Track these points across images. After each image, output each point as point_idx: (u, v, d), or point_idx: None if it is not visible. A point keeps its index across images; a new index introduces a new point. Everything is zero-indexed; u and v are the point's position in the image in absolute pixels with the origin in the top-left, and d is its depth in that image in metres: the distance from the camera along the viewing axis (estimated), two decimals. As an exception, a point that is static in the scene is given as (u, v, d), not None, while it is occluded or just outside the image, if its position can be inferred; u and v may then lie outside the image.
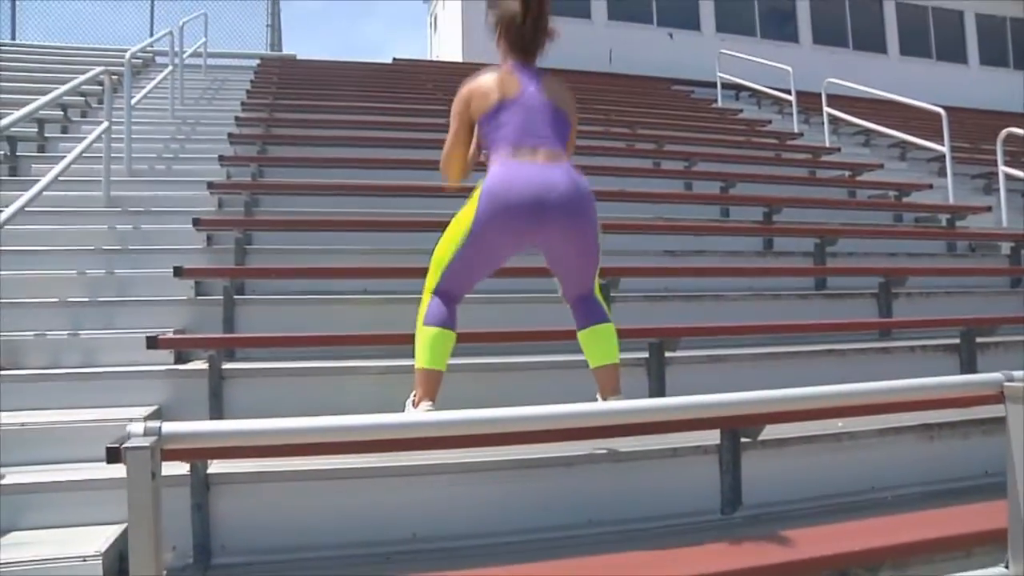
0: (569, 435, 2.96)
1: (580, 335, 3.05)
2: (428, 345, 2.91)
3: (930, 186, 8.04)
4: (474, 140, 3.09)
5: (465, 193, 3.04)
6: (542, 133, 2.87)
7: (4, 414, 3.13)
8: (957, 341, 4.58)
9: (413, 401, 2.96)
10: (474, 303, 4.38)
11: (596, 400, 3.04)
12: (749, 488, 3.18)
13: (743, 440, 3.16)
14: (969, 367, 4.51)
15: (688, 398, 2.66)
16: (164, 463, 2.50)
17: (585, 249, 2.93)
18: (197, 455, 2.10)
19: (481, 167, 3.08)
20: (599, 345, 3.00)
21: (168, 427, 1.42)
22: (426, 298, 3.00)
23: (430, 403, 2.87)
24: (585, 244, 2.92)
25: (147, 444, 1.32)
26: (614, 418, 2.76)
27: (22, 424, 3.02)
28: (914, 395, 2.03)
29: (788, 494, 3.26)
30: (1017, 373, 1.95)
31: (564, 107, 3.02)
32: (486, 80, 2.97)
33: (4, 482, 2.74)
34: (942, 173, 8.57)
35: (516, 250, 3.04)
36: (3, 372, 3.48)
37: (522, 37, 2.95)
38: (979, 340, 4.54)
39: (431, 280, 3.00)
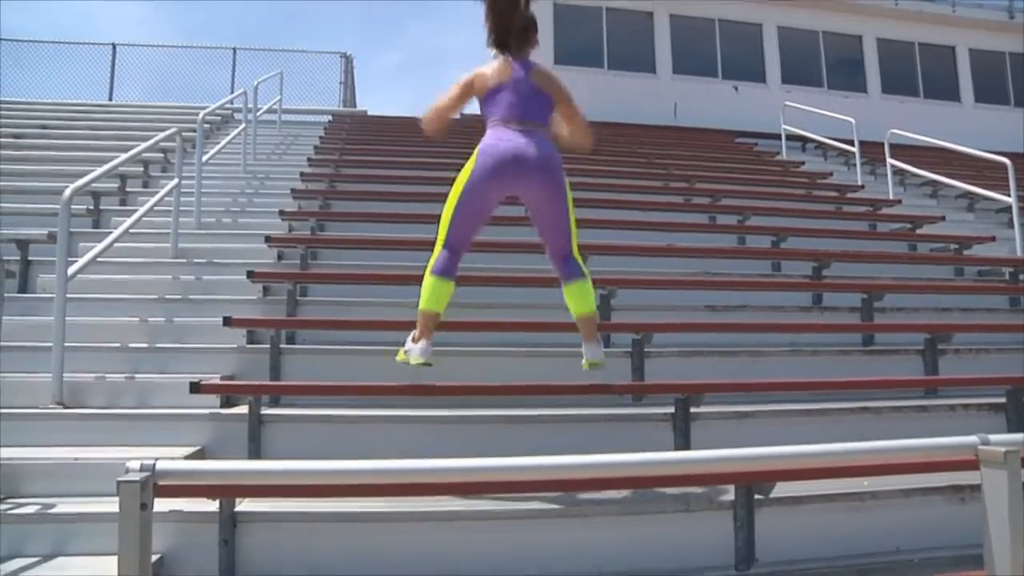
0: (580, 486, 3.07)
1: (563, 289, 3.71)
2: (431, 290, 3.60)
3: (992, 238, 7.81)
4: (457, 103, 3.79)
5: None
6: (525, 111, 3.62)
7: (62, 449, 3.42)
8: (1003, 400, 4.47)
9: (413, 337, 3.61)
10: (503, 356, 4.57)
11: (583, 351, 3.70)
12: (765, 545, 3.20)
13: (757, 497, 3.18)
14: (1017, 427, 4.39)
15: (688, 453, 2.73)
16: (194, 499, 2.75)
17: (555, 197, 3.62)
18: (191, 492, 2.27)
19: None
20: (575, 296, 3.68)
21: (161, 464, 1.59)
22: (436, 251, 3.66)
23: (427, 341, 3.55)
24: (555, 193, 3.61)
25: (137, 479, 1.49)
26: (623, 471, 2.87)
27: (75, 459, 3.29)
28: (887, 457, 2.05)
29: (806, 552, 3.26)
30: (993, 436, 1.95)
31: (548, 90, 3.71)
32: (488, 67, 3.72)
33: (55, 511, 3.00)
34: (1012, 224, 8.32)
35: (501, 195, 3.74)
36: (65, 411, 3.78)
37: (519, 36, 3.71)
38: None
39: (440, 235, 3.68)
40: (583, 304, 3.67)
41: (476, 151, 3.62)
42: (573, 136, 3.89)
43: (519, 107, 3.61)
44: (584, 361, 3.73)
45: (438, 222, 3.70)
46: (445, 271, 3.61)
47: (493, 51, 3.76)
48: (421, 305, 3.60)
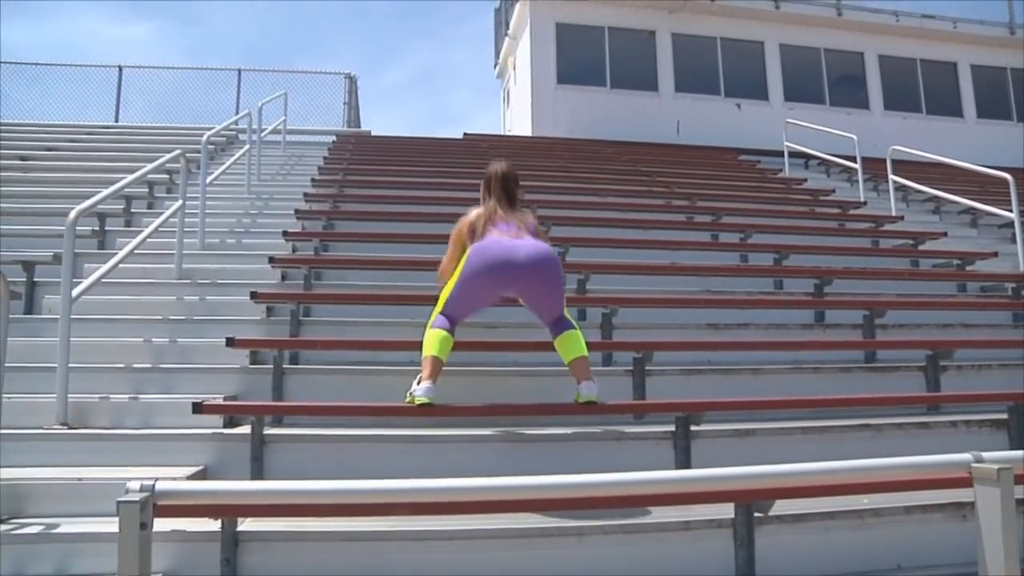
0: (581, 504, 3.08)
1: (555, 342, 3.99)
2: (435, 340, 3.86)
3: (995, 254, 7.81)
4: (460, 254, 4.10)
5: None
6: (515, 228, 3.96)
7: (66, 469, 3.44)
8: (1005, 416, 4.46)
9: (418, 380, 3.80)
10: (505, 375, 4.60)
11: (576, 392, 3.89)
12: (765, 563, 3.20)
13: (757, 515, 3.18)
14: (1019, 443, 4.38)
15: (687, 471, 2.74)
16: (196, 518, 2.77)
17: (550, 293, 3.96)
18: (192, 511, 2.29)
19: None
20: (568, 345, 3.94)
21: (161, 485, 1.61)
22: (435, 313, 3.99)
23: (430, 383, 3.73)
24: (549, 290, 3.95)
25: (137, 499, 1.51)
26: (623, 489, 2.88)
27: (79, 479, 3.31)
28: (881, 475, 2.06)
29: (806, 570, 3.26)
30: (987, 454, 1.95)
31: (532, 221, 4.11)
32: (475, 214, 4.11)
33: (59, 531, 3.01)
34: (1015, 240, 8.31)
35: (496, 294, 4.10)
36: (70, 431, 3.81)
37: (501, 188, 4.13)
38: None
39: (439, 305, 4.01)
40: (575, 351, 3.92)
41: (467, 251, 3.96)
42: None
43: (509, 224, 3.98)
44: (578, 396, 3.89)
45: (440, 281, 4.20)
46: (445, 327, 3.90)
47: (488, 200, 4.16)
48: (424, 353, 3.85)
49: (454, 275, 3.99)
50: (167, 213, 6.03)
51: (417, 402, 3.69)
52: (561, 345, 3.95)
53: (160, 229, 5.92)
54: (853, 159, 11.18)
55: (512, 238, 3.88)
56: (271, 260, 5.92)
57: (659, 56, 15.75)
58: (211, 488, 2.03)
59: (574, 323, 4.01)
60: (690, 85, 15.73)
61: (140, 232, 5.88)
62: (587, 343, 3.99)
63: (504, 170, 4.21)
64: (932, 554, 3.37)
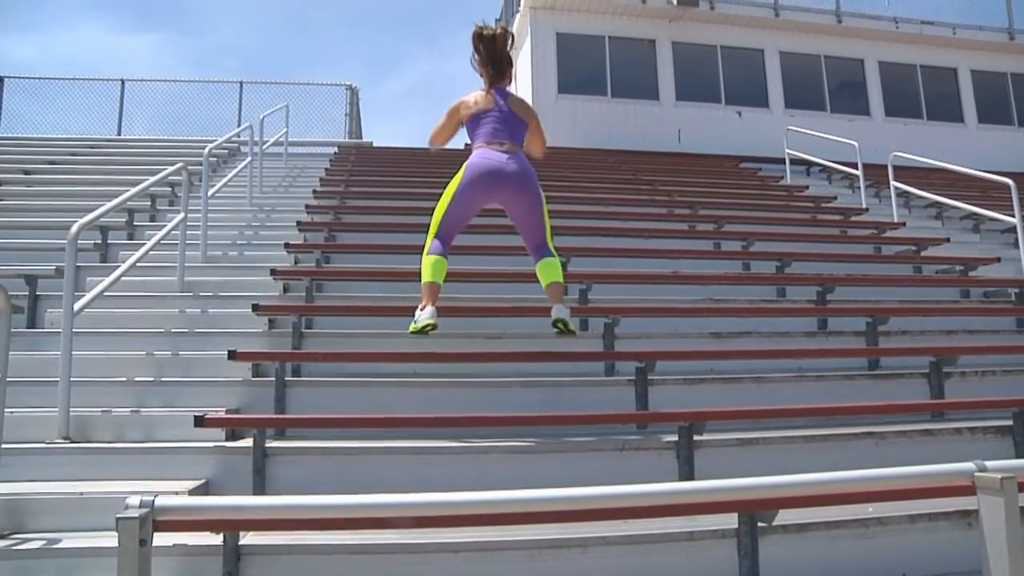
0: (584, 517, 3.07)
1: (536, 267, 4.58)
2: (431, 266, 4.36)
3: (998, 259, 7.79)
4: (451, 127, 4.69)
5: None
6: (504, 133, 4.47)
7: (68, 483, 3.44)
8: (1010, 423, 4.43)
9: (420, 307, 4.30)
10: (509, 386, 4.58)
11: (551, 312, 4.45)
12: (769, 573, 3.18)
13: (761, 524, 3.17)
14: (1025, 450, 4.36)
15: (689, 484, 2.73)
16: (199, 533, 2.76)
17: (531, 204, 4.51)
18: (192, 526, 2.28)
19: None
20: (546, 270, 4.55)
21: (160, 500, 1.61)
22: (429, 239, 4.46)
23: (432, 308, 4.25)
24: (530, 201, 4.50)
25: (136, 515, 1.51)
26: (626, 501, 2.87)
27: (81, 493, 3.30)
28: (883, 484, 2.04)
29: (811, 580, 3.23)
30: (990, 463, 1.94)
31: (522, 115, 4.60)
32: (471, 97, 4.59)
33: (60, 546, 3.00)
34: (1017, 244, 8.29)
35: (484, 203, 4.58)
36: (72, 445, 3.80)
37: (494, 66, 4.53)
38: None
39: (432, 229, 4.48)
40: (552, 275, 4.53)
41: (464, 166, 4.44)
42: (531, 146, 4.75)
43: (500, 131, 4.45)
44: (553, 318, 4.44)
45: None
46: (439, 252, 4.41)
47: (482, 81, 4.62)
48: (424, 279, 4.34)
49: (445, 196, 4.46)
50: (169, 226, 6.04)
51: (421, 324, 4.17)
52: (540, 270, 4.55)
53: (162, 242, 5.93)
54: (854, 166, 11.15)
55: (502, 150, 4.39)
56: (273, 272, 5.92)
57: (659, 65, 15.75)
58: (210, 504, 2.03)
59: (554, 252, 4.61)
60: (691, 93, 15.72)
61: (142, 245, 5.89)
62: (589, 352, 4.11)
63: (508, 53, 4.54)
64: (938, 563, 3.33)
